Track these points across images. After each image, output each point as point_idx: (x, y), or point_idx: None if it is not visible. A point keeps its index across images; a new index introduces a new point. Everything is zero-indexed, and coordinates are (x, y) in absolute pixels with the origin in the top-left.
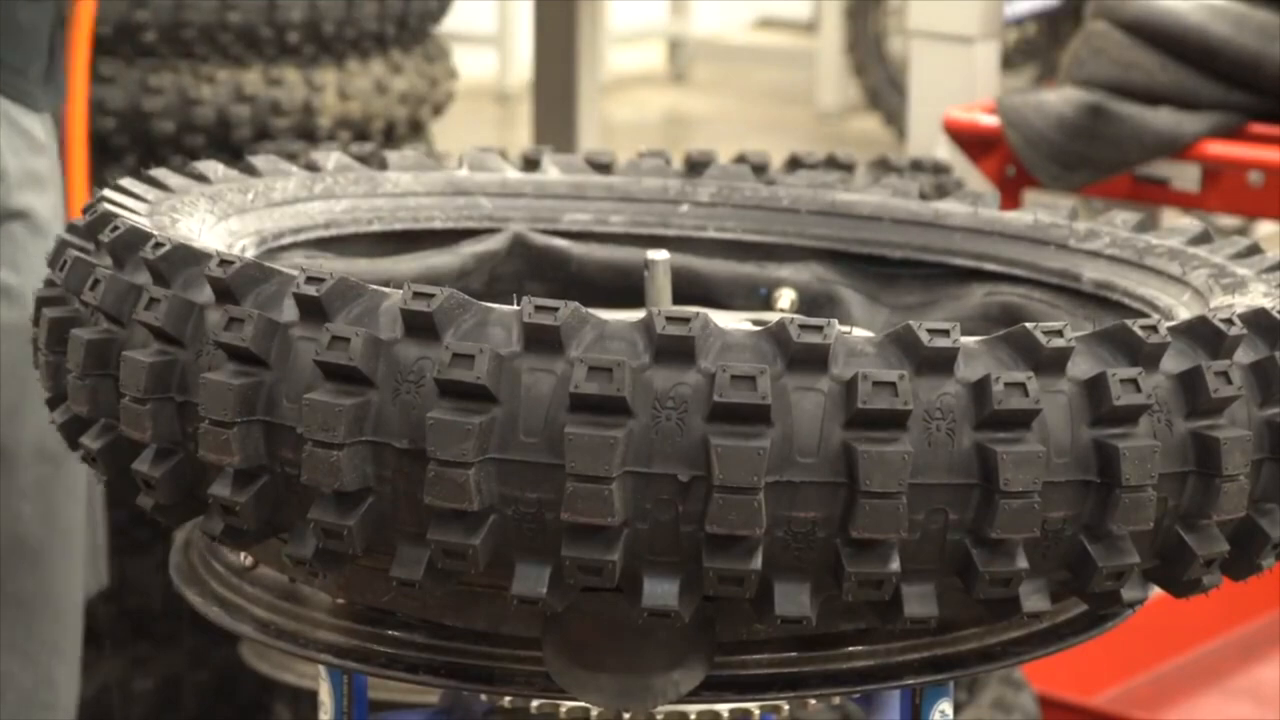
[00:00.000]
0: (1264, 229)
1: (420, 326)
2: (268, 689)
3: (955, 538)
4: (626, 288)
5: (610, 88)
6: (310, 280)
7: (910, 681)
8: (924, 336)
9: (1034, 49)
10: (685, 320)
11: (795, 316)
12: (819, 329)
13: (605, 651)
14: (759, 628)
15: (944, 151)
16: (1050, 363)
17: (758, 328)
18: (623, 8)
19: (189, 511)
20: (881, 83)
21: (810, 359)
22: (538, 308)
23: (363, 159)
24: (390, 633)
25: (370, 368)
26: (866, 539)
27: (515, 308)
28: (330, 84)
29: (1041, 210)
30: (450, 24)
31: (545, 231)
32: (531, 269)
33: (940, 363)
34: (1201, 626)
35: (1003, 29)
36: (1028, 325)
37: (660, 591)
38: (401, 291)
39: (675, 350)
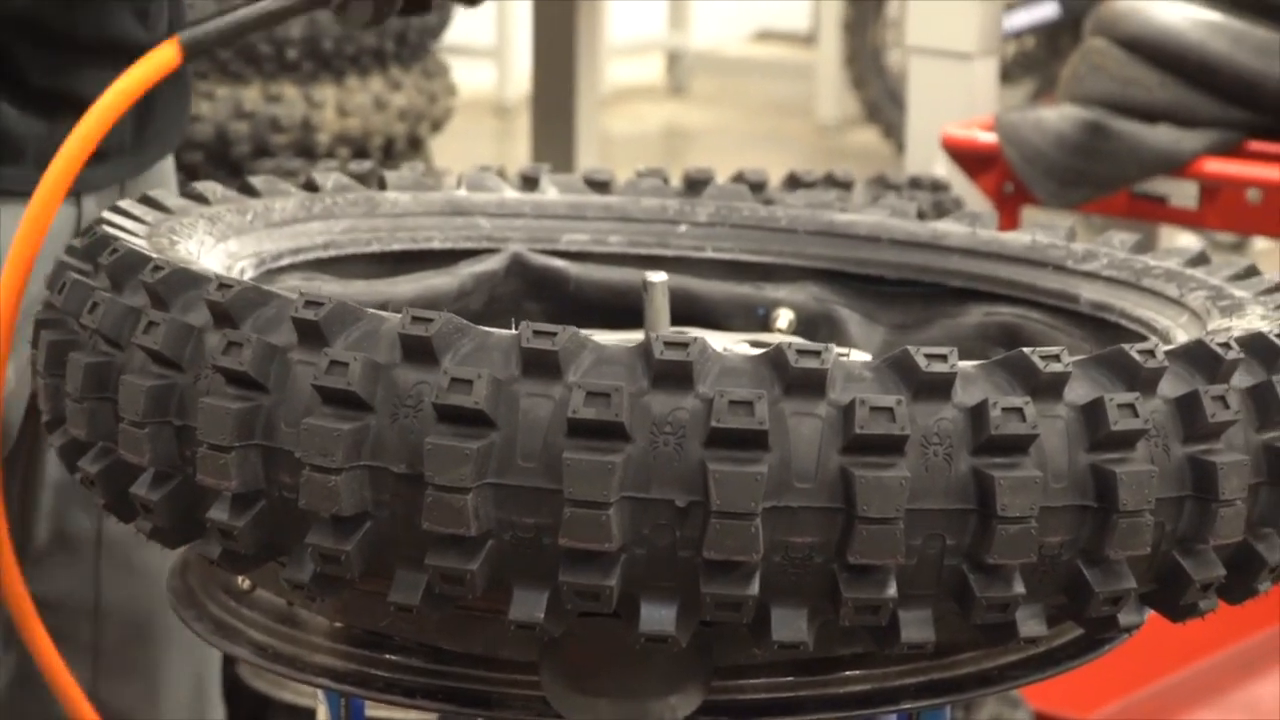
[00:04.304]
0: (1259, 245)
1: (418, 351)
2: (266, 705)
3: (952, 563)
4: (624, 308)
5: (609, 100)
6: (309, 304)
7: (907, 706)
8: (921, 361)
9: (1032, 62)
10: (683, 345)
11: (793, 340)
12: (817, 354)
13: (603, 676)
14: (756, 653)
15: (942, 168)
16: (1047, 387)
17: (756, 350)
18: (621, 20)
19: (187, 535)
20: (880, 96)
21: (808, 384)
22: (536, 332)
23: (361, 179)
24: (388, 656)
25: (368, 392)
26: (864, 564)
27: (513, 332)
28: (329, 100)
29: (1039, 231)
30: (448, 37)
31: (544, 251)
32: (530, 289)
33: (938, 387)
34: (1199, 643)
35: (1001, 43)
36: (1025, 350)
37: (658, 616)
38: (400, 316)
39: (673, 375)
